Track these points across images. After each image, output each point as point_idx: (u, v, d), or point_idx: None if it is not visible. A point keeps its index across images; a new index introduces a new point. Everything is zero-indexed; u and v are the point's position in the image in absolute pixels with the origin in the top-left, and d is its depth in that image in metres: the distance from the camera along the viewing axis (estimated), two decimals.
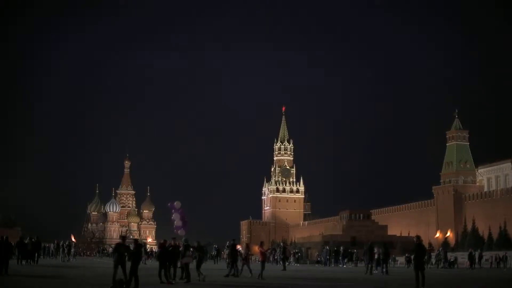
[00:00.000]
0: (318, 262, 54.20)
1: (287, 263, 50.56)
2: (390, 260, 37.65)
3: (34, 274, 23.98)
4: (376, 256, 32.37)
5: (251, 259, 28.58)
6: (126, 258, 16.92)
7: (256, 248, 64.95)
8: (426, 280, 18.19)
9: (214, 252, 50.68)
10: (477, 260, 44.06)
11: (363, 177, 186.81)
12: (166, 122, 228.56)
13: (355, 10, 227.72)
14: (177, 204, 24.04)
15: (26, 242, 35.65)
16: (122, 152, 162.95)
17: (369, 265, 30.51)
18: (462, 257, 49.94)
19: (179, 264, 23.77)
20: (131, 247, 17.71)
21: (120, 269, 16.86)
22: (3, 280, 19.16)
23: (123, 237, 18.39)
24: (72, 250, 44.61)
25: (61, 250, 43.81)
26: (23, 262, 33.31)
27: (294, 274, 29.45)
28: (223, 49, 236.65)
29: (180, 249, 23.13)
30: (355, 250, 50.60)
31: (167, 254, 20.25)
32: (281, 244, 57.39)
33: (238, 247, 31.23)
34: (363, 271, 31.07)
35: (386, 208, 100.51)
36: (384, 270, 30.14)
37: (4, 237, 20.95)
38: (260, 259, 24.56)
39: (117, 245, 17.63)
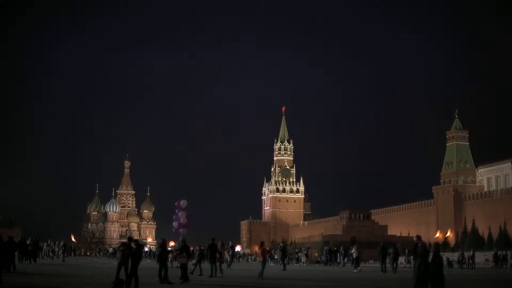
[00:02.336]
0: (318, 262, 54.19)
1: (300, 263, 50.69)
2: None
3: (34, 273, 23.99)
4: (355, 255, 35.50)
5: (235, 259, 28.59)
6: (129, 258, 16.93)
7: (256, 248, 65.04)
8: None
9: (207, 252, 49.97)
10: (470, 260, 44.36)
11: (363, 177, 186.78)
12: (166, 122, 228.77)
13: (355, 10, 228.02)
14: (183, 203, 24.05)
15: (28, 242, 35.98)
16: (122, 152, 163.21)
17: (383, 265, 31.87)
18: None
19: (176, 264, 23.76)
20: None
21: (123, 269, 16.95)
22: (10, 278, 19.27)
23: (130, 238, 18.35)
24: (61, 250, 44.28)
25: (61, 250, 43.85)
26: (24, 262, 33.44)
27: (294, 274, 29.45)
28: (223, 49, 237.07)
29: (176, 249, 23.16)
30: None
31: (166, 254, 20.27)
32: (281, 244, 57.34)
33: (238, 247, 31.22)
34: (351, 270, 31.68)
35: (386, 208, 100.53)
36: (394, 268, 31.64)
37: (9, 237, 21.13)
38: (260, 259, 24.47)
39: (122, 244, 17.69)
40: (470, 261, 43.81)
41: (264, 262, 24.06)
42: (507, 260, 42.55)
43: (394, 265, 32.00)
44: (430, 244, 64.16)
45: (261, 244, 25.66)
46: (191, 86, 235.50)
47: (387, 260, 32.63)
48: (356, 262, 35.50)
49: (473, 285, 23.85)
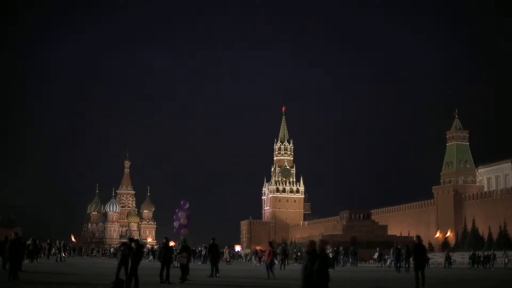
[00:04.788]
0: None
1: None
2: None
3: (34, 273, 24.00)
4: (331, 255, 36.68)
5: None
6: (129, 258, 16.91)
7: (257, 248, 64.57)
8: (426, 280, 18.17)
9: (203, 252, 49.14)
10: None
11: (363, 177, 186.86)
12: (166, 122, 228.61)
13: (355, 10, 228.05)
14: (183, 203, 24.18)
15: (28, 243, 36.04)
16: (122, 152, 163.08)
17: (398, 265, 33.65)
18: (462, 257, 50.14)
19: (176, 264, 23.73)
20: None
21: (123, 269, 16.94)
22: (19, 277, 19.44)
23: (130, 239, 18.29)
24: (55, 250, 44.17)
25: (61, 250, 43.83)
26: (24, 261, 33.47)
27: (294, 274, 29.40)
28: (223, 49, 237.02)
29: (176, 248, 23.11)
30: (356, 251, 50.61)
31: (170, 254, 20.28)
32: (282, 244, 57.25)
33: (237, 247, 31.34)
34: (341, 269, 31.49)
35: (386, 208, 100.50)
36: (406, 268, 32.58)
37: (13, 236, 21.27)
38: (267, 259, 24.58)
39: (122, 244, 17.69)
40: (470, 260, 43.90)
41: (271, 263, 24.20)
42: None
43: (407, 266, 32.55)
44: (430, 243, 64.68)
45: (270, 244, 25.77)
46: (191, 86, 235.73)
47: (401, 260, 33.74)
48: (406, 261, 35.34)
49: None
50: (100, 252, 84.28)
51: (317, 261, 9.69)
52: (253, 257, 55.11)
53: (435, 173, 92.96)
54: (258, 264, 46.75)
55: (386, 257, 45.71)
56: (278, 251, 46.03)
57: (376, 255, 48.22)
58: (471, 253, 44.80)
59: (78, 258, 58.98)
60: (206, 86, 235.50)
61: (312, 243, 10.54)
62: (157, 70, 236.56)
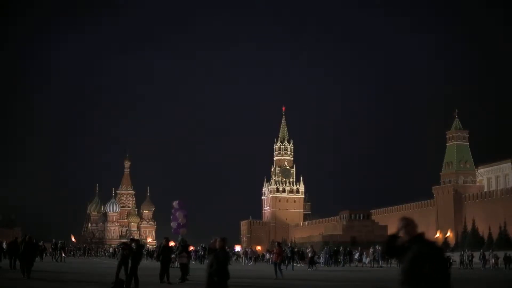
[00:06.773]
0: (317, 262, 54.13)
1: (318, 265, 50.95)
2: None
3: (34, 273, 24.01)
4: (310, 255, 37.88)
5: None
6: (129, 259, 16.90)
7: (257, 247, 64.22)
8: None
9: (201, 252, 48.74)
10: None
11: (363, 177, 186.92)
12: (166, 122, 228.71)
13: (355, 10, 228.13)
14: (179, 203, 24.20)
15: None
16: (122, 152, 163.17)
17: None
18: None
19: (177, 264, 23.74)
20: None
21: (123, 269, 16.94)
22: (11, 279, 19.49)
23: (132, 239, 18.32)
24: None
25: (61, 250, 43.84)
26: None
27: (294, 274, 29.45)
28: (223, 49, 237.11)
29: (176, 248, 23.07)
30: (356, 251, 50.70)
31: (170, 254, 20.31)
32: (290, 245, 57.28)
33: (237, 247, 31.40)
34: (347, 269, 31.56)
35: (386, 208, 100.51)
36: None
37: (27, 237, 21.69)
38: (277, 260, 24.73)
39: (123, 244, 17.69)
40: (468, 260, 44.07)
41: (280, 263, 24.49)
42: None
43: None
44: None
45: (278, 245, 26.27)
46: (191, 86, 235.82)
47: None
48: (311, 262, 37.00)
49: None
50: (99, 252, 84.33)
51: (216, 259, 9.94)
52: (243, 257, 55.42)
53: (435, 173, 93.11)
54: (250, 264, 47.00)
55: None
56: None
57: (357, 255, 48.81)
58: (469, 253, 44.82)
59: (79, 258, 58.99)
60: (206, 86, 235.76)
61: (215, 241, 10.80)
62: (157, 70, 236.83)
